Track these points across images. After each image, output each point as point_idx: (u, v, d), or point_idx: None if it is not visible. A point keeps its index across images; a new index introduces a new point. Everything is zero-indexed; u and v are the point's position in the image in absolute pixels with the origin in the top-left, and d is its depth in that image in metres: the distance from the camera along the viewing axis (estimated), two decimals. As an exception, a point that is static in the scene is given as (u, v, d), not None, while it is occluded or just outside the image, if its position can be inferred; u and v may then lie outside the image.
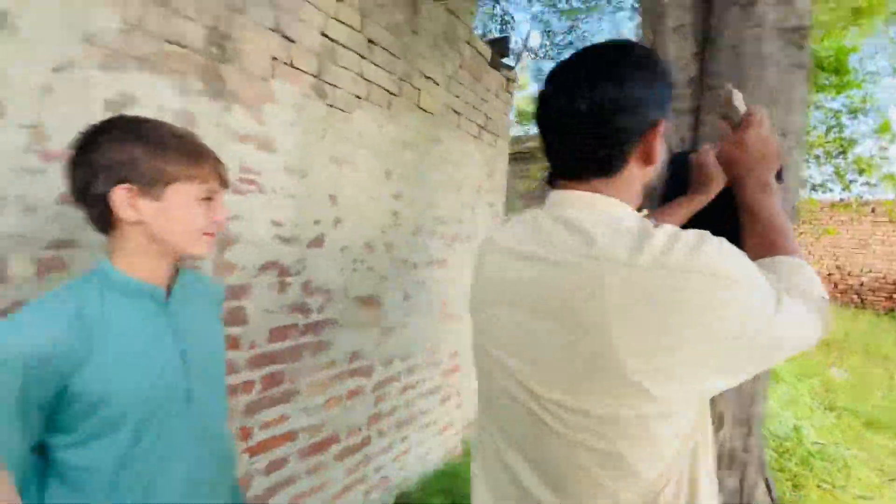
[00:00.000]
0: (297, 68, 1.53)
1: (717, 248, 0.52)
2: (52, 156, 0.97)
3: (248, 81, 1.38)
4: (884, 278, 8.67)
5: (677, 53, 1.30)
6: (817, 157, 3.50)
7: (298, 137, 1.55)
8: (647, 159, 0.61)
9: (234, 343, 1.41)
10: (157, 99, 1.16)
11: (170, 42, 1.18)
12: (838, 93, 3.03)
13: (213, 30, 1.27)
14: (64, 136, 0.95)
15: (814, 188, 3.83)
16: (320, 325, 1.71)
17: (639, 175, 0.62)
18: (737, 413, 1.23)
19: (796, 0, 1.11)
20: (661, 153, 0.62)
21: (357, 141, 1.80)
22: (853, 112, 3.11)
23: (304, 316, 1.64)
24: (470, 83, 2.54)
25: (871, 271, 8.77)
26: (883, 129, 3.33)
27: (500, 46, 2.84)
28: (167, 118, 1.08)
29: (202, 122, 1.26)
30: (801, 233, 6.26)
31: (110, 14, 1.06)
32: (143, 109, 1.12)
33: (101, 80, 1.05)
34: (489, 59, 2.71)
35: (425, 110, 2.18)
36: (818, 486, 2.65)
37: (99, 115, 0.88)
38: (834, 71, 2.84)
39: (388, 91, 1.93)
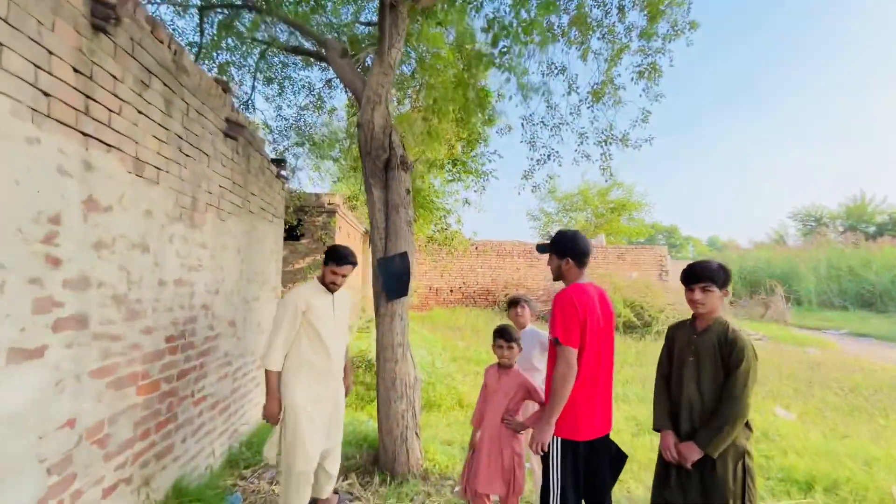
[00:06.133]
0: (212, 205, 3.05)
1: None
2: (159, 264, 2.38)
3: (199, 214, 2.86)
4: (484, 289, 14.70)
5: (376, 212, 3.66)
6: (439, 230, 7.17)
7: (213, 238, 3.06)
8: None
9: (191, 345, 2.80)
10: (179, 232, 2.59)
11: (183, 207, 2.63)
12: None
13: (192, 197, 2.75)
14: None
15: (439, 244, 7.53)
16: (216, 336, 3.16)
17: None
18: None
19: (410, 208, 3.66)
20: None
21: (229, 235, 3.36)
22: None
23: (212, 330, 3.09)
24: (268, 190, 4.30)
25: (477, 284, 14.71)
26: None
27: (279, 164, 4.68)
28: (178, 241, 2.56)
29: (188, 239, 2.71)
30: (440, 260, 10.45)
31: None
32: (176, 238, 2.56)
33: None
34: (276, 174, 4.52)
35: (251, 212, 3.84)
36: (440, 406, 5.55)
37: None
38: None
39: (238, 206, 3.54)
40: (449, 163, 5.05)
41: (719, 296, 2.08)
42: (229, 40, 6.01)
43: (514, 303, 3.33)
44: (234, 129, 3.22)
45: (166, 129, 2.44)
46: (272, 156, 4.76)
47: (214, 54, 6.47)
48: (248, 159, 3.71)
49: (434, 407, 5.03)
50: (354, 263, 2.67)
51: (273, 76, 7.21)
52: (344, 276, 2.63)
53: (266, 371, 2.53)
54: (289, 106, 7.80)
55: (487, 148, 5.53)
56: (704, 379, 2.03)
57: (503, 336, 2.45)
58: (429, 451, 3.57)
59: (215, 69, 6.31)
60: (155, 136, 2.33)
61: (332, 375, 2.67)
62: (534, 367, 3.11)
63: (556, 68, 4.70)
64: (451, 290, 14.85)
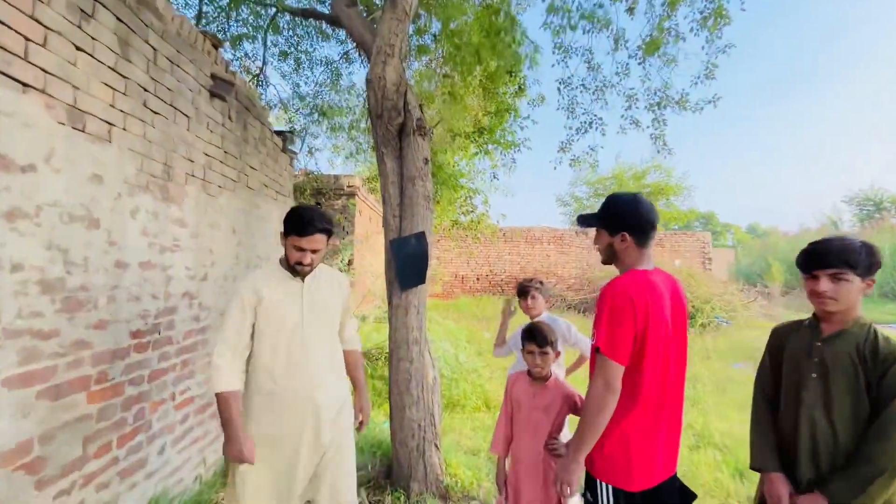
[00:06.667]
0: (195, 176, 2.60)
1: None
2: (115, 243, 1.92)
3: (175, 185, 2.41)
4: (512, 277, 14.06)
5: (389, 185, 3.13)
6: (463, 213, 6.60)
7: (197, 214, 2.61)
8: None
9: (169, 340, 2.38)
10: (146, 205, 2.15)
11: (151, 175, 2.18)
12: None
13: (164, 164, 2.29)
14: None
15: (464, 228, 6.97)
16: (204, 329, 2.74)
17: None
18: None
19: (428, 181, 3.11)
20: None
21: (220, 213, 2.91)
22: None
23: (198, 322, 2.66)
24: (272, 164, 3.84)
25: (505, 272, 14.07)
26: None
27: (286, 136, 4.21)
28: (144, 216, 2.11)
29: (159, 214, 2.26)
30: (466, 247, 9.89)
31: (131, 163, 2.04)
32: (141, 213, 2.10)
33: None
34: (281, 147, 4.06)
35: (251, 188, 3.39)
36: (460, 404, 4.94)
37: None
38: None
39: (233, 180, 3.09)
40: (475, 132, 4.45)
41: (859, 288, 1.44)
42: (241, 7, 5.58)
43: (523, 292, 2.80)
44: (222, 88, 2.75)
45: (123, 76, 1.97)
46: (277, 128, 4.30)
47: (226, 26, 6.08)
48: (244, 127, 3.24)
49: (457, 407, 4.54)
50: (326, 230, 1.77)
51: (287, 50, 6.77)
52: (314, 251, 1.75)
53: (216, 396, 1.69)
54: (305, 83, 7.35)
55: (518, 119, 4.90)
56: (838, 405, 1.41)
57: (534, 339, 1.89)
58: (451, 464, 3.08)
59: (228, 45, 5.91)
60: (106, 84, 1.86)
61: (308, 399, 1.76)
62: None
63: (598, 22, 4.01)
64: (478, 278, 14.28)
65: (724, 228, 44.71)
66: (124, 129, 1.98)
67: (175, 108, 2.36)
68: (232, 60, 6.42)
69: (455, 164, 5.89)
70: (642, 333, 1.40)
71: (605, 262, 1.64)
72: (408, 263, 2.90)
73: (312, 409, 1.76)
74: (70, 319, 1.72)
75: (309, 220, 1.71)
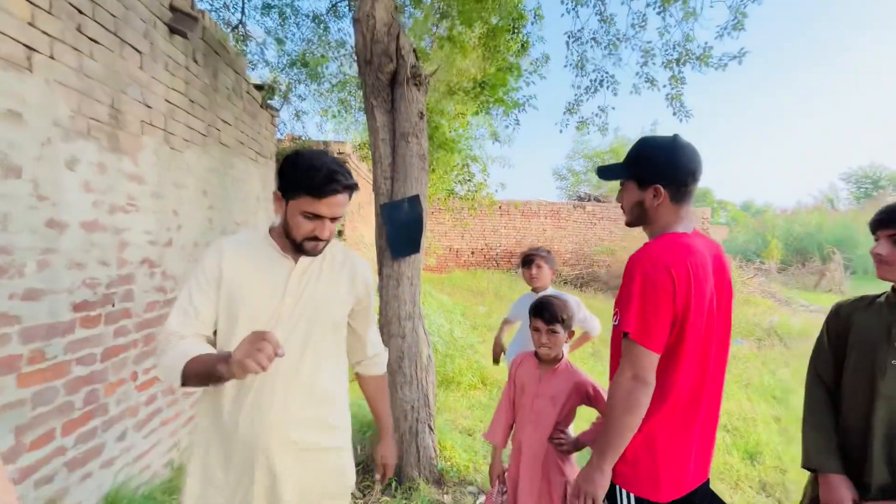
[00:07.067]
0: (153, 125, 2.24)
1: None
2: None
3: (127, 134, 2.05)
4: (508, 251, 13.80)
5: (380, 143, 2.78)
6: (460, 182, 6.21)
7: (158, 171, 2.27)
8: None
9: (127, 313, 2.08)
10: (88, 156, 1.80)
11: (94, 119, 1.82)
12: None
13: (111, 107, 1.93)
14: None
15: (461, 198, 6.61)
16: (170, 301, 2.44)
17: None
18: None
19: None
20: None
21: (187, 171, 2.56)
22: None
23: (164, 294, 2.36)
24: (249, 121, 3.45)
25: (501, 245, 13.79)
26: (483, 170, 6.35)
27: (267, 90, 3.80)
28: (87, 168, 1.78)
29: (108, 167, 1.92)
30: (461, 219, 9.60)
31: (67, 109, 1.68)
32: (81, 164, 1.77)
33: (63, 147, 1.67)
34: (260, 102, 3.66)
35: (225, 144, 3.02)
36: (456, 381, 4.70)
37: (64, 171, 1.62)
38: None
39: (202, 134, 2.72)
40: (476, 86, 4.06)
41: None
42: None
43: (528, 261, 2.59)
44: (182, 22, 2.35)
45: (47, -10, 1.59)
46: (257, 81, 3.89)
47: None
48: (213, 74, 2.85)
49: (452, 384, 4.33)
50: (352, 188, 1.11)
51: (270, 3, 6.21)
52: (334, 218, 1.12)
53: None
54: (291, 40, 6.82)
55: (521, 77, 4.49)
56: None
57: (541, 315, 1.61)
58: (445, 447, 2.87)
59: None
60: (21, -4, 1.49)
61: (252, 445, 1.11)
62: None
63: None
64: (473, 252, 14.01)
65: (720, 205, 44.61)
66: (52, 58, 1.62)
67: (121, 40, 1.98)
68: (209, 11, 5.88)
69: (453, 127, 5.48)
70: (682, 314, 1.11)
71: (632, 223, 1.33)
72: (400, 230, 2.59)
73: (263, 460, 1.10)
74: (-15, 288, 1.41)
75: (329, 174, 1.05)
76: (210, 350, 1.07)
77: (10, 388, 1.51)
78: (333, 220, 1.12)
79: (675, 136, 1.25)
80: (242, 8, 5.73)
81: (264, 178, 3.80)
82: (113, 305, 1.99)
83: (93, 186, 1.84)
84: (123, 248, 2.05)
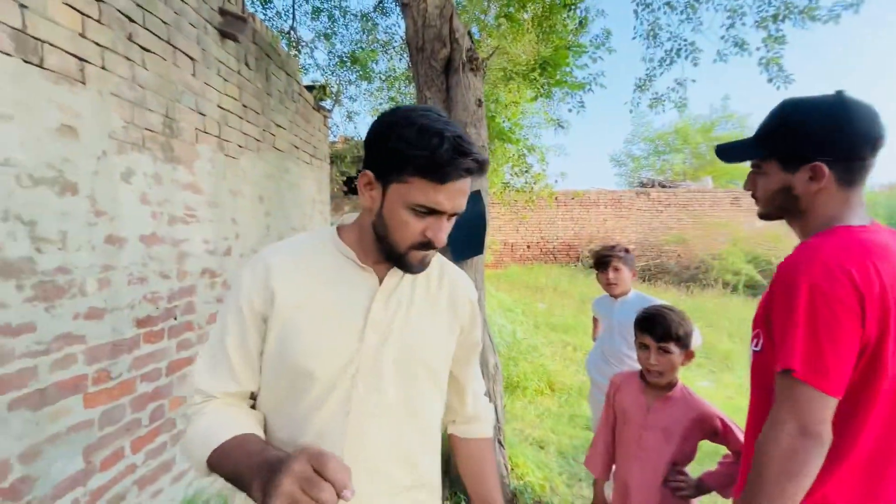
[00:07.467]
0: (208, 133, 2.19)
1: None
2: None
3: (182, 143, 2.01)
4: (566, 244, 13.22)
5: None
6: (516, 174, 5.89)
7: (215, 179, 2.22)
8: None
9: (189, 326, 2.05)
10: (143, 167, 1.76)
11: (148, 129, 1.78)
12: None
13: (165, 116, 1.89)
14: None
15: (517, 191, 6.27)
16: (232, 310, 2.40)
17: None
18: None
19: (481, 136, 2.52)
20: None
21: (242, 178, 2.52)
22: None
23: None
24: (302, 124, 3.40)
25: (558, 238, 13.22)
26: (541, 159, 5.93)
27: (319, 92, 3.75)
28: (142, 180, 1.73)
29: (163, 178, 1.88)
30: (520, 212, 9.23)
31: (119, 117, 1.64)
32: (137, 176, 1.72)
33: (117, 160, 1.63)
34: (313, 104, 3.60)
35: (279, 149, 2.97)
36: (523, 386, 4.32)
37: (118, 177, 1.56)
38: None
39: (256, 139, 2.68)
40: (537, 68, 3.74)
41: None
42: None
43: (603, 263, 2.13)
44: (233, 25, 2.29)
45: (97, -1, 1.54)
46: (309, 83, 3.84)
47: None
48: (265, 77, 2.80)
49: (517, 390, 4.07)
50: (483, 163, 0.71)
51: (320, 6, 6.24)
52: (454, 214, 0.74)
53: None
54: (341, 42, 6.86)
55: (582, 55, 4.11)
56: None
57: (651, 331, 1.32)
58: (517, 463, 2.63)
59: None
60: (69, 5, 1.44)
61: None
62: (626, 355, 2.01)
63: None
64: (528, 246, 13.54)
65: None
66: (103, 69, 1.57)
67: (173, 47, 1.92)
68: (263, 21, 6.02)
69: (507, 116, 5.17)
70: (875, 340, 0.80)
71: (770, 214, 1.01)
72: (462, 230, 2.37)
73: None
74: (48, 309, 1.37)
75: (455, 145, 0.68)
76: (246, 427, 0.71)
77: (77, 409, 1.48)
78: (452, 216, 0.74)
79: (840, 92, 0.92)
80: (293, 14, 5.79)
81: (319, 182, 3.76)
82: (175, 319, 1.96)
83: (149, 198, 1.80)
84: (183, 259, 2.01)
